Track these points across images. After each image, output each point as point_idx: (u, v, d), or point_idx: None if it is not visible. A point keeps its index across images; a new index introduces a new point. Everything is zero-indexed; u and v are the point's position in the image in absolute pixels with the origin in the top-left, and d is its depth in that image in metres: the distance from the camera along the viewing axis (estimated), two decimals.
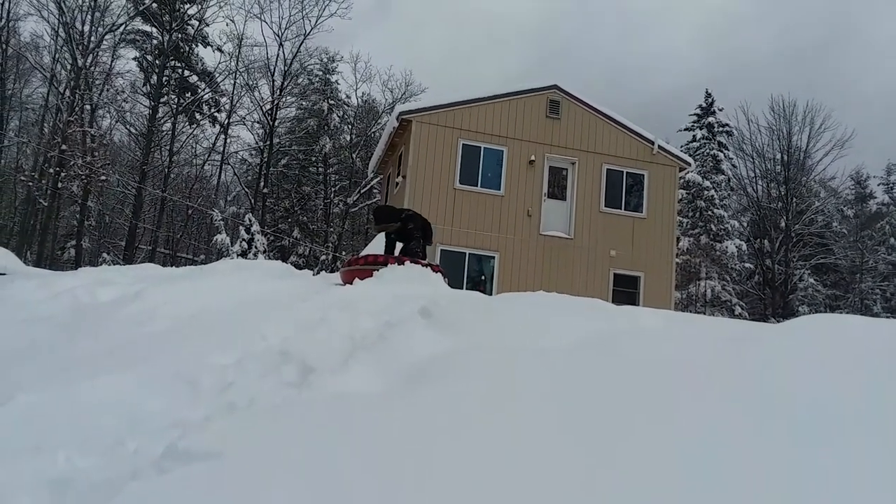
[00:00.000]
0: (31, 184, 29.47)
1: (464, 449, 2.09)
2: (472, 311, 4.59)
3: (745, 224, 33.32)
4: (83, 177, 27.76)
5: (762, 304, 30.99)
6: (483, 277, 14.98)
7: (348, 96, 36.68)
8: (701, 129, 32.49)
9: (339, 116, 35.07)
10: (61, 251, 30.75)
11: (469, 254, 14.93)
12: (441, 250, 14.60)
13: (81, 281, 6.56)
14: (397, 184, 16.30)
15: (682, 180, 23.44)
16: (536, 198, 15.52)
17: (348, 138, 36.30)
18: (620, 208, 15.86)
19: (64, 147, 27.21)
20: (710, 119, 32.17)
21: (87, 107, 29.46)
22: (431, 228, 8.68)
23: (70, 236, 31.13)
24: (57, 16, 28.92)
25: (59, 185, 27.96)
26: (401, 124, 15.75)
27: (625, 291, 15.19)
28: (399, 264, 7.00)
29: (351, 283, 6.65)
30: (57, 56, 29.84)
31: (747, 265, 30.92)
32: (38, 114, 32.36)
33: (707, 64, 57.28)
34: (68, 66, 29.57)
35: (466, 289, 12.44)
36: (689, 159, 17.66)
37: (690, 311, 25.07)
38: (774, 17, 57.57)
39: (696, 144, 32.27)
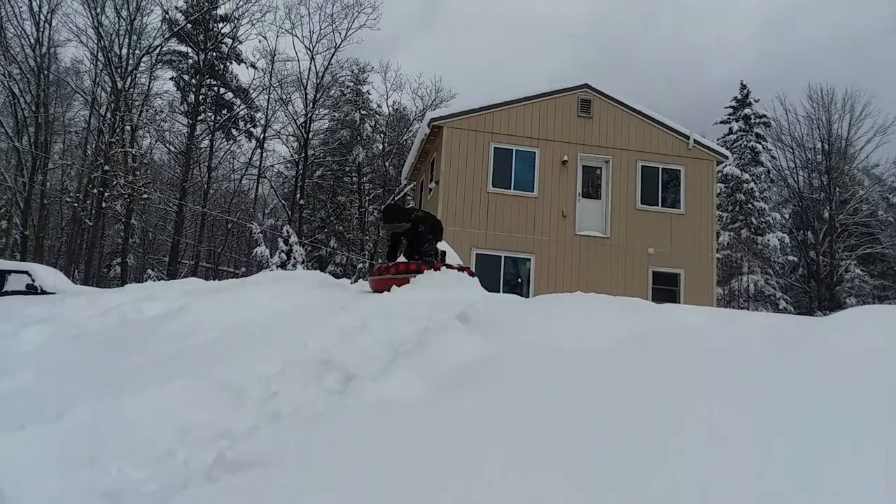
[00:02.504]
0: (76, 204, 30.43)
1: (505, 454, 2.08)
2: (510, 313, 4.57)
3: (787, 216, 32.50)
4: (126, 196, 28.59)
5: (807, 297, 30.18)
6: (519, 280, 14.92)
7: (379, 106, 37.05)
8: (737, 121, 31.92)
9: (371, 126, 35.38)
10: (107, 269, 31.66)
11: (504, 257, 14.89)
12: (476, 254, 14.60)
13: (128, 297, 6.74)
14: (430, 190, 16.36)
15: (719, 174, 23.01)
16: (571, 198, 15.41)
17: (381, 147, 36.59)
18: (657, 205, 15.64)
19: (107, 168, 28.05)
20: (747, 111, 31.59)
21: (128, 127, 30.32)
22: (442, 228, 8.47)
23: (115, 254, 32.05)
24: (95, 41, 29.87)
25: (104, 204, 28.82)
26: (432, 131, 15.82)
27: (665, 289, 14.97)
28: (435, 270, 7.00)
29: (384, 291, 6.62)
30: (97, 79, 30.78)
31: (791, 258, 30.16)
32: (80, 136, 33.41)
33: (762, 56, 55.87)
34: (108, 89, 30.48)
35: (503, 292, 12.42)
36: (727, 152, 17.33)
37: (733, 307, 24.56)
38: (834, 8, 55.44)
39: (732, 137, 31.70)
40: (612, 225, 15.40)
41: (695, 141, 16.01)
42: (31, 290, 12.50)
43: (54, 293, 11.69)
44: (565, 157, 15.36)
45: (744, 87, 32.23)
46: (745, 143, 31.10)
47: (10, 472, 2.58)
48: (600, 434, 2.10)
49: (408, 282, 6.70)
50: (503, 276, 14.73)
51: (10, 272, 13.15)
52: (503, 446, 2.12)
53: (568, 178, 15.45)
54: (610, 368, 2.78)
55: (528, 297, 12.28)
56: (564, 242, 15.12)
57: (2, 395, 3.72)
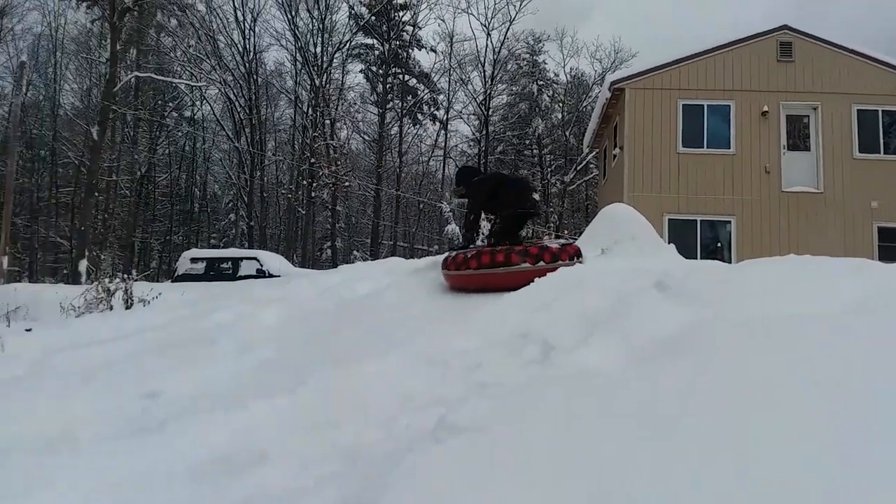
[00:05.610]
0: (289, 195, 33.81)
1: (711, 432, 2.05)
2: (712, 280, 4.37)
3: None
4: (330, 185, 31.23)
5: None
6: (719, 245, 14.06)
7: (556, 74, 36.55)
8: None
9: (548, 96, 35.08)
10: (320, 252, 34.92)
11: (700, 221, 14.11)
12: (669, 219, 13.99)
13: (342, 277, 7.46)
14: (615, 156, 15.90)
15: None
16: (774, 152, 14.16)
17: (560, 116, 36.14)
18: (879, 152, 13.86)
19: (313, 160, 30.82)
20: None
21: (327, 121, 32.97)
22: (522, 186, 7.00)
23: (325, 238, 35.21)
24: (293, 42, 32.76)
25: (313, 194, 31.75)
26: (613, 94, 15.34)
27: (894, 247, 13.25)
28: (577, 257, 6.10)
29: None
30: (297, 79, 33.79)
31: None
32: (288, 133, 36.96)
33: None
34: (307, 87, 33.34)
35: (700, 259, 11.80)
36: None
37: None
38: None
39: None
40: (825, 178, 13.92)
41: None
42: (261, 273, 14.24)
43: (279, 276, 13.21)
44: (765, 108, 14.11)
45: None
46: None
47: (269, 434, 3.05)
48: (826, 407, 1.99)
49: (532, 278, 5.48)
50: (700, 241, 13.99)
51: (242, 259, 15.08)
52: (711, 422, 2.09)
53: (770, 130, 14.19)
54: (835, 337, 2.59)
55: (729, 262, 11.56)
56: (769, 201, 13.96)
57: (253, 368, 4.35)
